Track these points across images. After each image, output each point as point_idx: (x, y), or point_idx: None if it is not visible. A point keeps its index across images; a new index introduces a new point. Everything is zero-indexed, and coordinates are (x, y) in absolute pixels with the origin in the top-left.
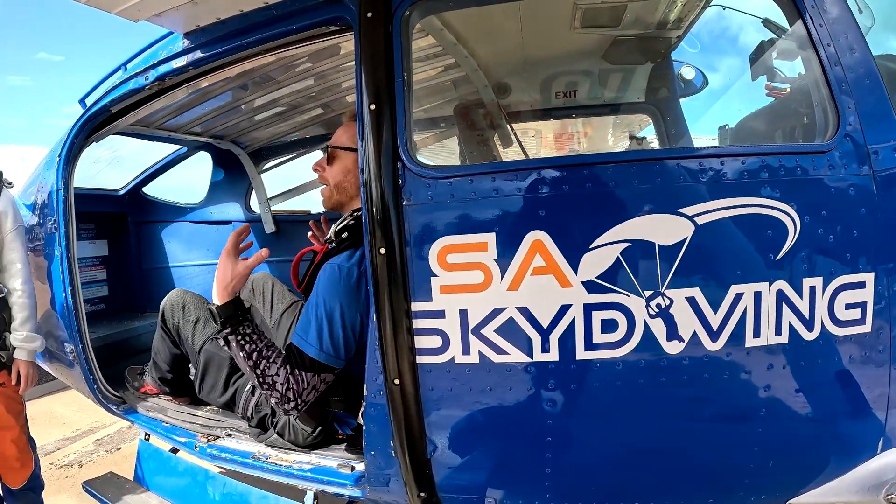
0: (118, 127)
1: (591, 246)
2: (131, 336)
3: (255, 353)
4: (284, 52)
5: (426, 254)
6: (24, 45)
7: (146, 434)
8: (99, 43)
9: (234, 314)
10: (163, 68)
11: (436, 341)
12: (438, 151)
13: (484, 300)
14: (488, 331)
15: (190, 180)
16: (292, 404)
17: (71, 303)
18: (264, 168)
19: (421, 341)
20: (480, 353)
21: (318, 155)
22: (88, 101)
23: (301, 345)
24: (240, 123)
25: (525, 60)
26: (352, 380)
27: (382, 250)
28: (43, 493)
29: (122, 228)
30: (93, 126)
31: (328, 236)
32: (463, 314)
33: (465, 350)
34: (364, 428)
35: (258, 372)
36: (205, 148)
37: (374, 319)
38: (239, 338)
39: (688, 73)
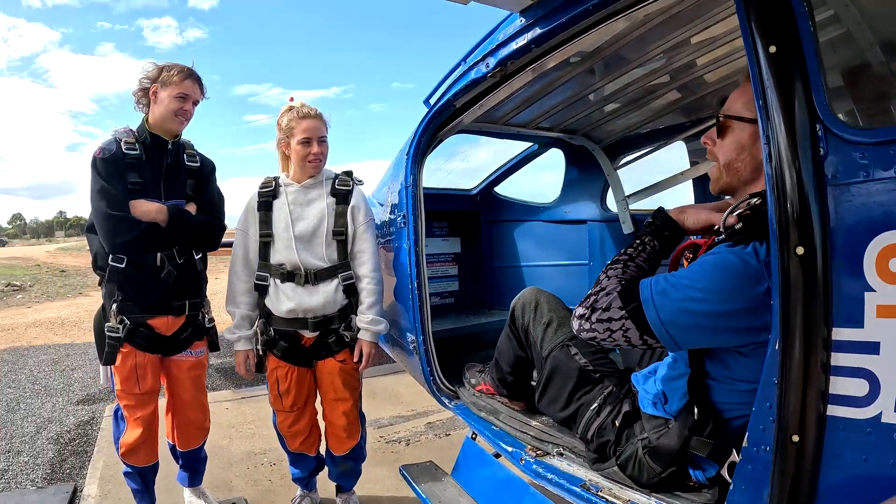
0: (462, 123)
1: None
2: (475, 332)
3: (631, 262)
4: (636, 11)
5: (859, 257)
6: (381, 77)
7: (473, 433)
8: (444, 72)
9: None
10: (503, 52)
11: (860, 387)
12: None
13: None
14: None
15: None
16: (584, 314)
17: (416, 295)
18: (620, 164)
19: (838, 385)
20: None
21: (677, 147)
22: (432, 101)
23: (647, 301)
24: (591, 115)
25: None
26: (719, 417)
27: (800, 250)
28: (365, 464)
29: (475, 227)
30: (438, 124)
31: (716, 227)
32: None
33: None
34: (732, 486)
35: (608, 273)
36: (555, 144)
37: (777, 347)
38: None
39: None
